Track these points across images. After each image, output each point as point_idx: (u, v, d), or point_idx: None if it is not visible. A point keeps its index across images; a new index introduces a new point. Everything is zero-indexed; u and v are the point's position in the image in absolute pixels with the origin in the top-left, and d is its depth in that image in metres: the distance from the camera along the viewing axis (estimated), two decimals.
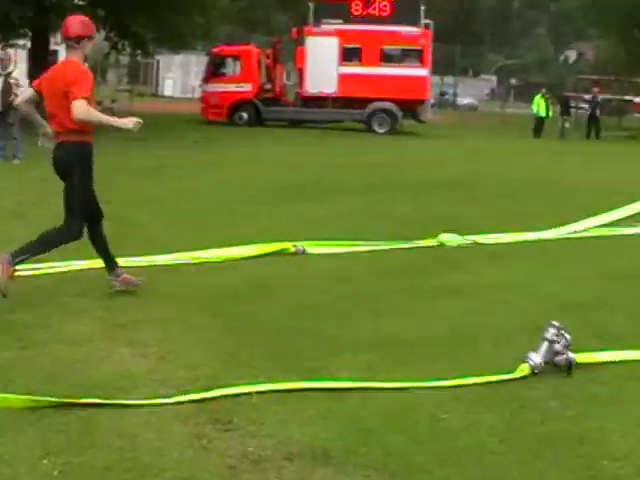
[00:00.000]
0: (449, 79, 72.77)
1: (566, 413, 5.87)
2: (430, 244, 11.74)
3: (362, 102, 36.28)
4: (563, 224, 13.40)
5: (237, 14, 53.04)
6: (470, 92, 76.94)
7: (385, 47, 36.80)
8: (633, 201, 15.03)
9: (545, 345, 6.60)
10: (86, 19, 8.31)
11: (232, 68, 37.31)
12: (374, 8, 36.92)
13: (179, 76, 65.33)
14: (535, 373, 6.46)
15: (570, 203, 16.38)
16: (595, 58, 78.61)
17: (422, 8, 37.10)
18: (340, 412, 5.70)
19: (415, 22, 36.67)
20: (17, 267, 7.93)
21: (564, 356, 6.59)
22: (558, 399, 6.07)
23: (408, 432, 5.43)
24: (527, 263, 11.04)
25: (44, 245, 8.13)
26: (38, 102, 8.33)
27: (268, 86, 37.10)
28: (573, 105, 46.87)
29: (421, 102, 37.56)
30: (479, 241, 12.06)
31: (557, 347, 6.60)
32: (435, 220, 13.66)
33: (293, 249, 10.75)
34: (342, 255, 11.00)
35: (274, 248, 10.74)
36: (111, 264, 8.52)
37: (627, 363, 6.95)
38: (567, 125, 41.68)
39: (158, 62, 64.85)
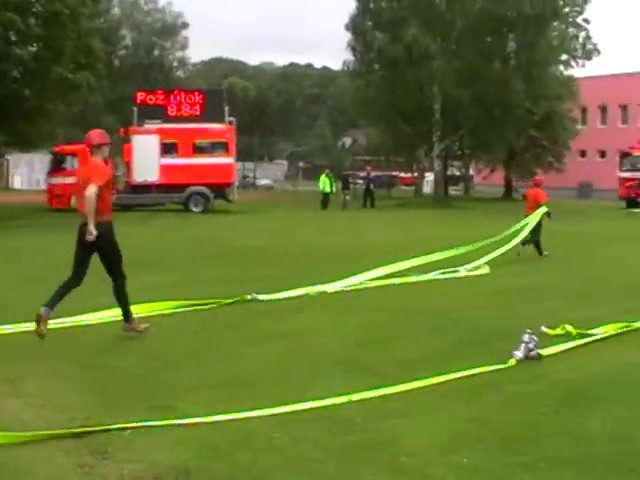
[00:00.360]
0: (249, 164, 73.90)
1: (369, 425, 6.37)
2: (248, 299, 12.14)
3: (180, 187, 36.90)
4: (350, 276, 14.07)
5: (73, 117, 53.09)
6: (267, 174, 78.38)
7: (197, 141, 37.73)
8: (404, 257, 15.86)
9: (523, 345, 8.40)
10: (103, 131, 9.78)
11: (71, 163, 37.19)
12: (187, 109, 38.00)
13: (26, 171, 64.88)
14: (518, 362, 8.18)
15: (357, 261, 17.20)
16: (367, 142, 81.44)
17: (226, 108, 38.14)
18: (194, 438, 6.00)
19: (221, 119, 37.63)
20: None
21: (535, 352, 8.41)
22: (362, 415, 6.56)
23: (249, 449, 5.80)
24: (326, 311, 11.52)
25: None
26: None
27: None
28: (352, 181, 48.50)
29: (229, 185, 38.48)
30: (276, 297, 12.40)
31: (530, 346, 8.43)
32: (252, 280, 14.10)
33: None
34: (184, 313, 11.15)
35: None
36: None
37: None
38: (348, 198, 43.11)
39: (8, 161, 64.52)
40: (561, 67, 57.61)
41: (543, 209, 19.39)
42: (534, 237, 19.10)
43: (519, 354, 8.41)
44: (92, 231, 8.93)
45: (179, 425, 6.25)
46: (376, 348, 9.09)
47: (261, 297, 12.16)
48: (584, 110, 67.96)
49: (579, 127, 64.14)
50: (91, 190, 8.96)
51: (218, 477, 5.33)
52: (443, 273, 15.50)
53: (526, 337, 8.54)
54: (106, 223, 9.35)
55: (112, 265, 9.45)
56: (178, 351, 8.92)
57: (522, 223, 18.94)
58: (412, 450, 5.81)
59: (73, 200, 10.28)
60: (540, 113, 53.66)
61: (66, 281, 9.27)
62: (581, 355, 8.82)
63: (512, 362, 8.27)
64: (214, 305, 11.61)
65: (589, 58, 59.66)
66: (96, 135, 9.57)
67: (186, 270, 16.10)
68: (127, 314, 9.49)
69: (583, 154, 69.12)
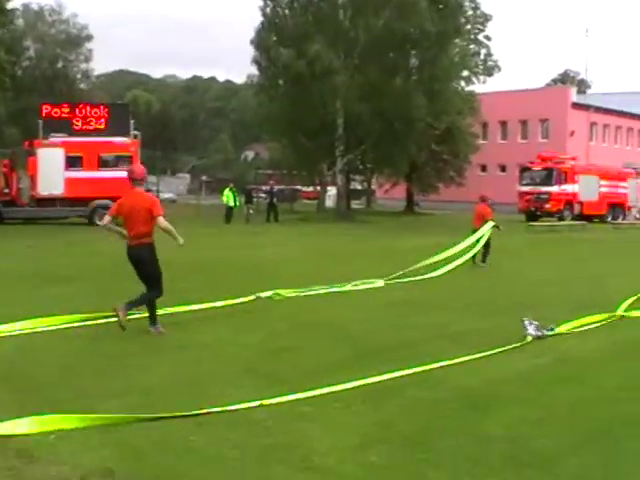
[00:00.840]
0: (152, 178, 73.41)
1: (282, 428, 6.73)
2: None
3: (85, 201, 36.52)
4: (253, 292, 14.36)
5: None
6: (169, 188, 78.00)
7: (102, 154, 37.42)
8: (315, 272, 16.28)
9: (534, 327, 10.67)
10: (144, 168, 11.60)
11: None
12: (92, 123, 37.85)
13: None
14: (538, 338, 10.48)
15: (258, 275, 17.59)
16: (270, 156, 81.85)
17: (131, 122, 38.09)
18: (115, 441, 6.29)
19: (126, 133, 37.52)
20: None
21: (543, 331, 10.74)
22: (274, 419, 6.93)
23: (169, 451, 6.12)
24: (231, 322, 11.89)
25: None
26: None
27: (6, 190, 36.73)
28: (255, 195, 48.78)
29: None
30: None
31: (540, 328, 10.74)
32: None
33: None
34: (92, 325, 11.30)
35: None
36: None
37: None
38: (251, 212, 43.38)
39: None
40: (462, 83, 59.16)
41: (491, 223, 21.16)
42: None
43: (532, 332, 10.68)
44: (180, 240, 10.98)
45: (100, 428, 6.52)
46: (282, 357, 9.48)
47: (170, 310, 12.37)
48: (485, 125, 69.59)
49: (480, 142, 65.67)
50: (163, 221, 10.75)
51: (142, 477, 5.64)
52: (339, 286, 15.93)
53: (527, 322, 10.80)
54: (152, 244, 11.08)
55: (150, 279, 11.04)
56: (86, 362, 9.10)
57: (473, 237, 20.87)
58: (323, 450, 6.20)
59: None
60: (441, 128, 54.90)
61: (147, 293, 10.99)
62: (477, 363, 9.34)
63: (528, 339, 10.53)
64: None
65: (490, 74, 61.52)
66: (142, 170, 11.32)
67: (94, 282, 16.29)
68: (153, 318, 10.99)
69: (484, 168, 70.74)
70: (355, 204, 64.48)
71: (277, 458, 6.01)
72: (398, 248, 27.25)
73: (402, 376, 8.52)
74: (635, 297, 14.99)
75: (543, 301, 14.82)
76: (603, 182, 54.95)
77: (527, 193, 51.27)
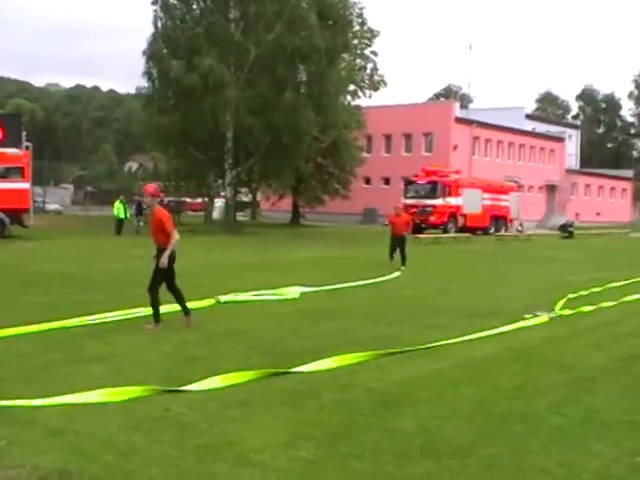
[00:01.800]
0: (38, 189, 72.35)
1: (215, 429, 7.29)
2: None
3: None
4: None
5: None
6: (54, 199, 76.69)
7: None
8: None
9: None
10: (156, 186, 13.28)
11: None
12: None
13: None
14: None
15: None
16: (155, 167, 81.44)
17: (23, 133, 37.71)
18: (64, 445, 6.73)
19: (18, 144, 37.09)
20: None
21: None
22: (207, 421, 7.49)
23: (115, 452, 6.58)
24: (142, 333, 12.23)
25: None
26: None
27: None
28: (145, 207, 48.58)
29: (25, 210, 37.85)
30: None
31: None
32: (71, 305, 14.57)
33: None
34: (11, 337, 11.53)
35: None
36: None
37: (239, 388, 8.54)
38: (141, 224, 43.36)
39: None
40: (349, 97, 60.25)
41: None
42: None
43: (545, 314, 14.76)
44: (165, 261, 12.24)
45: (46, 432, 6.99)
46: (200, 365, 9.93)
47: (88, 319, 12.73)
48: (370, 138, 70.71)
49: (365, 155, 66.86)
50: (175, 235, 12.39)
51: (95, 475, 6.09)
52: (258, 295, 16.76)
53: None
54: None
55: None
56: (13, 374, 9.35)
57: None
58: (257, 448, 6.77)
59: None
60: (328, 141, 55.78)
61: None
62: (383, 367, 10.07)
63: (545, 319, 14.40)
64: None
65: (376, 89, 62.85)
66: (155, 187, 12.87)
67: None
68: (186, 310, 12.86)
69: (368, 181, 71.87)
70: (240, 216, 64.86)
71: (216, 456, 6.54)
72: (293, 259, 27.95)
73: (316, 380, 9.18)
74: (565, 299, 16.99)
75: (438, 309, 15.75)
76: (486, 195, 56.87)
77: (412, 206, 52.39)
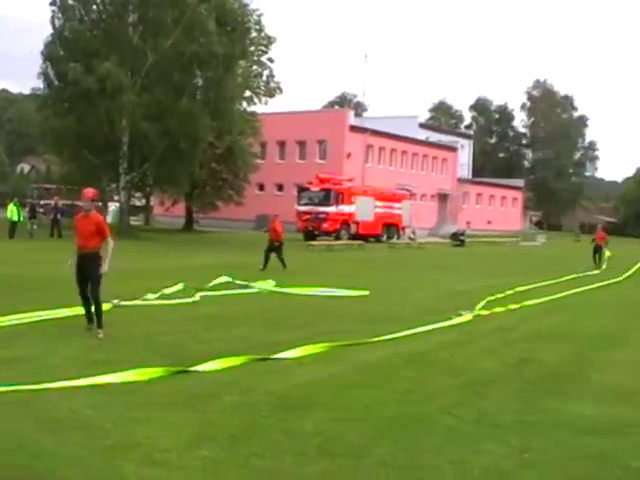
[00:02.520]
0: None
1: (121, 430, 7.51)
2: None
3: None
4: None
5: None
6: None
7: None
8: None
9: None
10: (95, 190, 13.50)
11: None
12: None
13: None
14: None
15: None
16: (47, 170, 79.96)
17: None
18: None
19: None
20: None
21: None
22: (112, 423, 7.71)
23: (24, 453, 6.73)
24: (47, 336, 12.27)
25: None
26: None
27: None
28: (40, 210, 47.92)
29: None
30: None
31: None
32: None
33: None
34: None
35: None
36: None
37: (148, 391, 8.79)
38: (35, 227, 42.72)
39: None
40: (245, 103, 60.28)
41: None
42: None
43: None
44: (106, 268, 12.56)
45: None
46: (103, 368, 10.03)
47: None
48: (264, 145, 70.81)
49: (259, 161, 66.94)
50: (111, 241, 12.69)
51: (7, 476, 6.28)
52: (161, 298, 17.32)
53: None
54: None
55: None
56: None
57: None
58: (163, 448, 7.03)
59: None
60: (223, 147, 55.76)
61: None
62: (283, 371, 10.42)
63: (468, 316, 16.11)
64: None
65: (272, 95, 62.99)
66: (94, 192, 13.22)
67: None
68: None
69: (262, 187, 72.09)
70: (133, 220, 64.31)
71: (123, 456, 6.78)
72: (194, 265, 28.02)
73: (217, 382, 9.48)
74: (485, 301, 18.57)
75: (335, 315, 16.18)
76: (379, 203, 57.68)
77: (305, 213, 53.02)
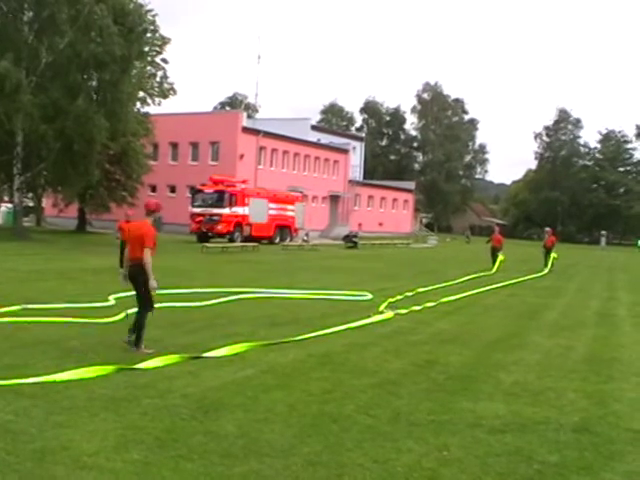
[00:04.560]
0: None
1: (46, 434, 7.60)
2: None
3: None
4: None
5: None
6: None
7: None
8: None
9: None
10: (158, 202, 13.38)
11: None
12: None
13: None
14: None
15: None
16: None
17: None
18: None
19: None
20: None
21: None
22: (36, 428, 7.79)
23: None
24: None
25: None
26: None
27: None
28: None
29: None
30: None
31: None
32: None
33: None
34: None
35: None
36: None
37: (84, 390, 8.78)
38: None
39: None
40: (138, 104, 59.61)
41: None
42: None
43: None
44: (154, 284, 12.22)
45: None
46: (15, 373, 10.01)
47: None
48: (156, 146, 70.30)
49: (151, 163, 66.34)
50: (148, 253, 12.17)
51: None
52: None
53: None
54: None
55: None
56: None
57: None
58: (91, 452, 7.14)
59: None
60: (116, 149, 55.13)
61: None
62: (195, 373, 10.59)
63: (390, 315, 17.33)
64: None
65: (165, 96, 62.45)
66: (154, 202, 13.16)
67: None
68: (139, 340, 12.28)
69: (154, 189, 71.55)
70: (24, 221, 62.97)
71: (52, 460, 6.87)
72: (89, 267, 27.72)
73: (135, 386, 9.59)
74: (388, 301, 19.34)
75: (236, 319, 16.39)
76: (272, 205, 57.93)
77: (199, 215, 52.96)
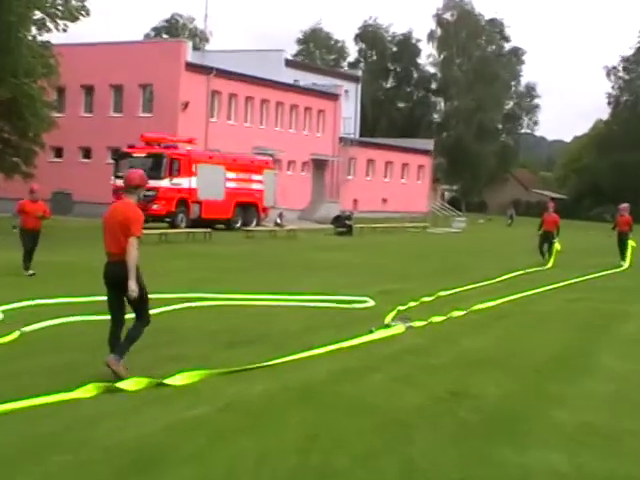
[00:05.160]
0: None
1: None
2: None
3: None
4: None
5: None
6: None
7: None
8: None
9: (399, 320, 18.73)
10: (142, 173, 12.94)
11: None
12: None
13: None
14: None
15: None
16: None
17: None
18: None
19: None
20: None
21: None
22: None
23: None
24: None
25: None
26: None
27: None
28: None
29: None
30: None
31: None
32: None
33: None
34: None
35: None
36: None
37: None
38: None
39: None
40: (34, 29, 58.32)
41: None
42: None
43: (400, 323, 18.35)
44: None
45: None
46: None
47: None
48: (62, 91, 68.95)
49: (56, 115, 63.92)
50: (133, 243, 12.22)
51: None
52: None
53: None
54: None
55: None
56: None
57: None
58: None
59: None
60: (2, 94, 54.07)
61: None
62: (129, 413, 10.78)
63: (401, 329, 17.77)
64: None
65: (74, 19, 60.85)
66: (137, 175, 12.80)
67: None
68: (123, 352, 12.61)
69: (59, 153, 70.88)
70: None
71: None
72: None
73: (36, 436, 9.75)
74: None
75: (183, 335, 16.58)
76: (230, 175, 57.18)
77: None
